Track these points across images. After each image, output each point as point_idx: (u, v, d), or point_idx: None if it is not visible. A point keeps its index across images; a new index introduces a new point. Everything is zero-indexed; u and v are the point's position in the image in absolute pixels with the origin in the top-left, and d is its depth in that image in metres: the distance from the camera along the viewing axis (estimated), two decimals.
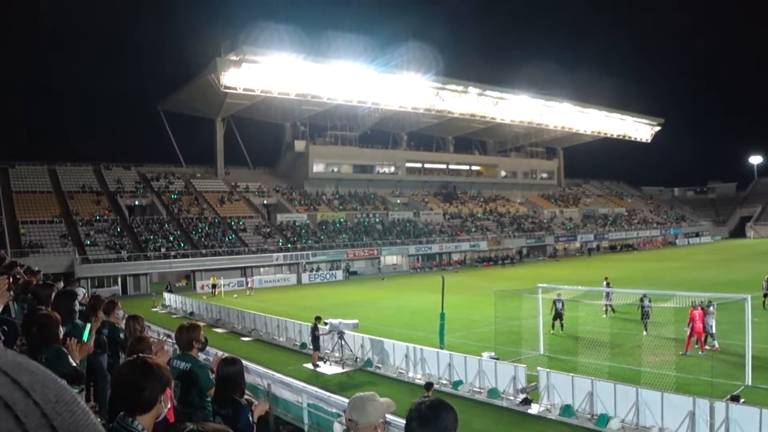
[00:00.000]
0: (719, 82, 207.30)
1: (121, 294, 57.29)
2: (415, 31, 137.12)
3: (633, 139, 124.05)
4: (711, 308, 23.75)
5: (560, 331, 28.18)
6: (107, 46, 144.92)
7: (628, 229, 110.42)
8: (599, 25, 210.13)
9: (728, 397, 16.50)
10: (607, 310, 32.58)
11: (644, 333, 26.64)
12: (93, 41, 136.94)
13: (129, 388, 3.18)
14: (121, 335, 9.54)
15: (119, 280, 60.27)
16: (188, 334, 6.88)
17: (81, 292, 12.59)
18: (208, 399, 6.47)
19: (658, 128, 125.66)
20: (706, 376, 19.02)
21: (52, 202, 66.91)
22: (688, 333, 23.30)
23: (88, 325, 6.70)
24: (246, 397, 6.22)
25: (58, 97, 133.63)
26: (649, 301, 27.08)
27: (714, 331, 23.79)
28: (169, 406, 3.38)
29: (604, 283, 35.23)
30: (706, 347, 23.37)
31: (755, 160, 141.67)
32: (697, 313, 23.02)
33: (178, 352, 7.20)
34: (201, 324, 7.18)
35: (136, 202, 73.72)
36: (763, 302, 31.38)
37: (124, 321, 9.51)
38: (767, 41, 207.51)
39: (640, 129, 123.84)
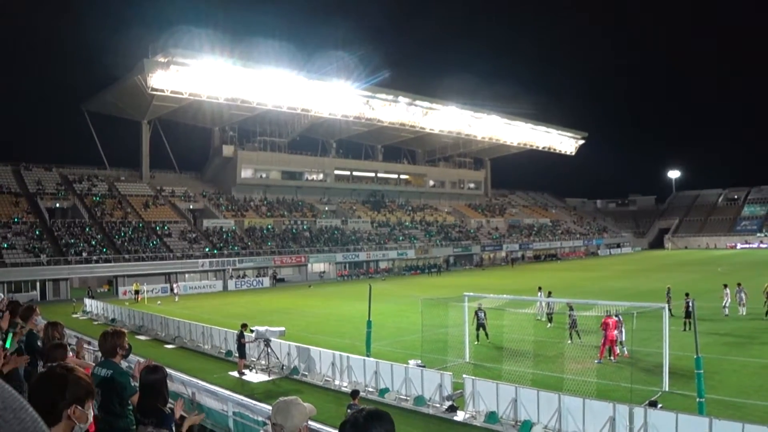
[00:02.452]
0: (641, 99, 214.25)
1: (39, 299, 55.62)
2: (344, 40, 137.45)
3: (558, 151, 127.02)
4: (619, 318, 24.50)
5: (485, 341, 28.45)
6: (31, 42, 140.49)
7: (552, 239, 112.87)
8: (521, 39, 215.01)
9: (647, 402, 16.98)
10: (550, 319, 33.10)
11: (569, 342, 27.14)
12: (15, 36, 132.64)
13: (44, 399, 3.06)
14: (39, 342, 9.23)
15: (38, 285, 58.44)
16: (112, 341, 6.71)
17: None
18: (130, 407, 6.31)
19: (582, 141, 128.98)
20: (626, 382, 19.53)
21: None
22: (602, 341, 23.91)
23: (10, 333, 6.47)
24: (170, 405, 6.09)
25: None
26: (571, 309, 27.65)
27: (623, 338, 24.54)
28: (89, 421, 3.25)
29: (539, 293, 35.77)
30: (617, 356, 24.05)
31: (673, 174, 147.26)
32: (611, 321, 23.64)
33: (101, 358, 7.01)
34: (125, 331, 7.00)
35: (57, 205, 71.52)
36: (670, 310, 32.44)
37: (42, 327, 9.21)
38: (688, 58, 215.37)
39: (565, 142, 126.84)
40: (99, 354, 11.86)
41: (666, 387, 19.35)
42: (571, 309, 27.84)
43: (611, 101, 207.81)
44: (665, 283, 38.50)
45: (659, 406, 16.86)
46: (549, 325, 32.63)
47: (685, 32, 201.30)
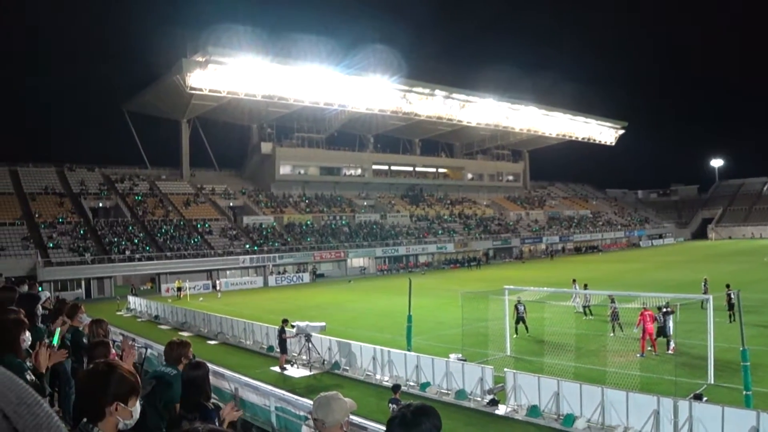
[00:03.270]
0: (682, 86, 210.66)
1: (84, 297, 56.58)
2: (381, 34, 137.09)
3: (597, 142, 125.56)
4: (668, 309, 24.08)
5: (525, 334, 28.28)
6: (71, 46, 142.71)
7: (592, 231, 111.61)
8: (562, 30, 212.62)
9: (691, 395, 16.71)
10: (585, 312, 32.89)
11: (611, 334, 26.85)
12: (57, 41, 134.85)
13: (89, 395, 3.10)
14: (84, 339, 9.40)
15: (83, 283, 59.47)
16: (178, 350, 6.84)
17: (44, 295, 12.41)
18: (168, 413, 6.39)
19: (622, 131, 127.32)
20: (670, 375, 19.26)
21: (13, 203, 65.75)
22: (641, 335, 23.59)
23: (58, 330, 6.59)
24: (213, 401, 6.16)
25: (21, 98, 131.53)
26: (612, 301, 27.36)
27: (671, 332, 24.11)
28: (135, 418, 3.29)
29: (574, 285, 35.45)
30: (669, 351, 23.67)
31: (716, 163, 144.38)
32: (648, 314, 23.32)
33: (163, 363, 7.15)
34: (190, 342, 7.13)
35: (100, 204, 72.78)
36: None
37: (87, 325, 9.37)
38: (729, 46, 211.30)
39: (605, 132, 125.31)
40: (143, 351, 12.04)
41: (711, 380, 19.05)
42: (612, 301, 27.55)
43: (652, 89, 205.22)
44: (709, 275, 37.82)
45: (704, 399, 16.58)
46: (586, 317, 32.41)
47: (730, 14, 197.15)
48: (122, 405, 3.10)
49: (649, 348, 23.56)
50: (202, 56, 67.72)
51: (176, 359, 6.82)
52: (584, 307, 32.93)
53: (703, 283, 32.97)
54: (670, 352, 23.56)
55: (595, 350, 24.81)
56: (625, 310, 26.57)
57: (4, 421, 0.83)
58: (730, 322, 27.68)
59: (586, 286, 34.35)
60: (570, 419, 16.29)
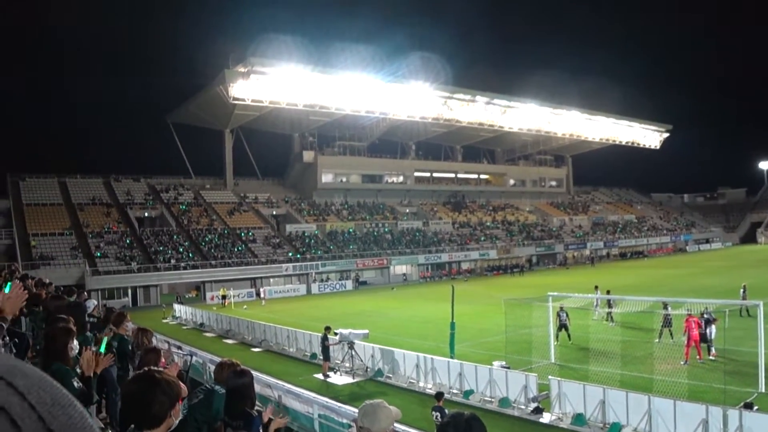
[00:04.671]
0: (728, 88, 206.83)
1: (131, 305, 57.50)
2: (422, 41, 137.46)
3: (641, 145, 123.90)
4: (711, 316, 23.70)
5: (567, 342, 28.02)
6: (117, 59, 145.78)
7: (637, 236, 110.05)
8: (607, 33, 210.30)
9: (741, 404, 16.38)
10: (607, 318, 32.71)
11: (657, 341, 26.45)
12: (103, 55, 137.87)
13: (137, 402, 3.16)
14: (131, 347, 9.56)
15: (129, 291, 60.47)
16: (228, 371, 6.95)
17: (92, 304, 12.63)
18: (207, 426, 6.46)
19: (666, 135, 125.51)
20: (719, 383, 18.87)
21: (62, 214, 67.17)
22: (686, 342, 23.21)
23: (105, 338, 6.72)
24: (257, 408, 6.21)
25: (69, 110, 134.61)
26: (669, 307, 26.91)
27: (713, 337, 23.73)
28: (180, 417, 3.37)
29: (596, 292, 35.11)
30: (710, 356, 23.31)
31: (765, 165, 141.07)
32: (693, 321, 22.95)
33: (212, 382, 7.29)
34: (239, 362, 7.26)
35: (146, 214, 73.91)
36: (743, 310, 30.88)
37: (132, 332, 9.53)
38: None
39: (649, 135, 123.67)
40: (188, 359, 12.18)
41: (762, 388, 18.61)
42: (665, 307, 27.09)
43: (698, 92, 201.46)
44: (758, 280, 37.00)
45: (755, 408, 16.23)
46: (611, 324, 32.19)
47: None
48: (179, 406, 3.18)
49: (698, 358, 23.16)
50: (244, 67, 68.50)
51: (226, 379, 6.92)
52: (608, 314, 32.71)
53: (741, 290, 32.22)
54: (711, 357, 23.26)
55: (642, 357, 24.43)
56: (673, 316, 26.17)
57: (39, 422, 0.85)
58: None
59: (608, 293, 33.90)
60: (616, 428, 16.06)
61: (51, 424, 0.86)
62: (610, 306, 32.33)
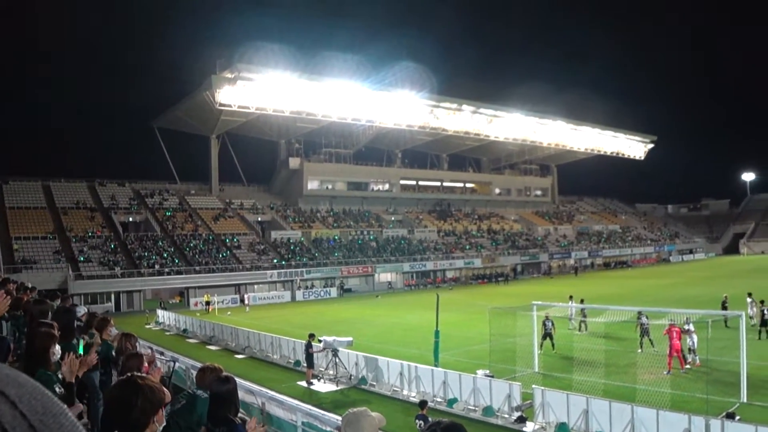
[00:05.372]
0: (713, 100, 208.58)
1: (114, 311, 57.09)
2: (409, 50, 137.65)
3: (626, 156, 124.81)
4: (690, 326, 23.95)
5: (551, 351, 28.10)
6: (103, 63, 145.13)
7: (622, 246, 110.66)
8: (592, 45, 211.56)
9: (724, 414, 16.47)
10: (580, 327, 32.96)
11: (639, 351, 26.57)
12: (89, 59, 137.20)
13: (120, 407, 3.13)
14: (113, 353, 9.49)
15: (112, 296, 60.06)
16: (210, 375, 6.90)
17: (82, 310, 12.54)
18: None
19: (651, 145, 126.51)
20: (701, 393, 18.95)
21: (45, 218, 66.72)
22: (668, 351, 23.36)
23: (81, 341, 6.67)
24: (240, 415, 6.18)
25: (54, 114, 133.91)
26: (647, 318, 27.07)
27: (695, 347, 23.97)
28: (164, 424, 3.34)
29: (571, 302, 35.25)
30: (687, 365, 23.51)
31: (748, 177, 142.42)
32: (675, 330, 23.11)
33: (194, 387, 7.22)
34: (221, 367, 7.20)
35: (130, 219, 73.53)
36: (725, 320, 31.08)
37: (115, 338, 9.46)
38: (760, 58, 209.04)
39: (633, 146, 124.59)
40: (171, 364, 12.10)
41: (744, 398, 18.73)
42: (640, 316, 27.25)
43: (682, 103, 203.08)
44: (741, 290, 37.21)
45: (737, 418, 16.31)
46: (581, 332, 32.64)
47: (755, 29, 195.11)
48: (162, 412, 3.16)
49: (685, 366, 23.31)
50: (231, 73, 68.48)
51: (208, 385, 6.88)
52: (581, 322, 32.93)
53: (722, 302, 32.50)
54: (687, 365, 23.58)
55: (625, 367, 24.53)
56: (653, 326, 26.30)
57: (30, 431, 0.85)
58: (759, 338, 27.35)
59: (582, 302, 34.05)
60: None
61: None
62: (584, 315, 32.57)
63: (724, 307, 30.67)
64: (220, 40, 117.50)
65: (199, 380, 7.01)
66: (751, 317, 30.11)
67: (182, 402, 6.37)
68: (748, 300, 32.17)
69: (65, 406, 0.96)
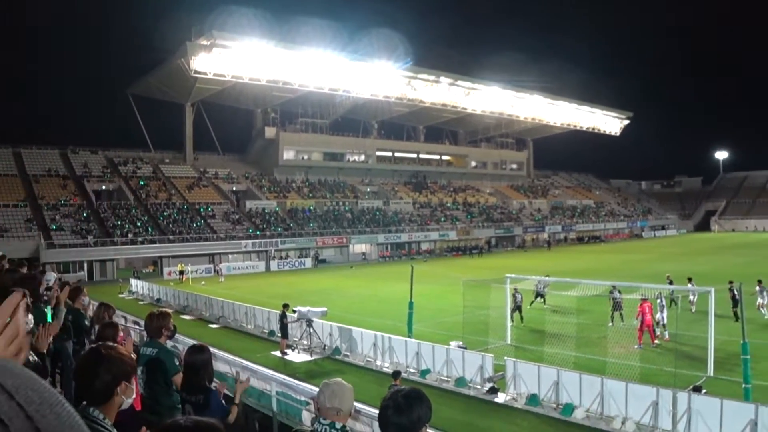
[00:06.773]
0: (687, 78, 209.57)
1: (86, 280, 56.63)
2: (386, 19, 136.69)
3: (602, 132, 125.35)
4: (662, 300, 24.29)
5: (519, 324, 28.39)
6: (76, 29, 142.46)
7: (595, 221, 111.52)
8: (570, 18, 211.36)
9: (690, 387, 16.76)
10: (540, 298, 33.19)
11: (610, 324, 26.85)
12: (61, 25, 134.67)
13: (82, 377, 3.13)
14: (86, 322, 9.45)
15: (85, 265, 59.59)
16: (158, 322, 6.87)
17: (53, 277, 12.45)
18: (174, 387, 6.43)
19: (626, 122, 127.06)
20: (670, 367, 19.28)
21: (16, 185, 65.92)
22: (638, 326, 23.67)
23: (48, 308, 6.63)
24: (213, 384, 6.20)
25: (25, 80, 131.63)
26: (619, 292, 27.27)
27: (666, 321, 24.40)
28: (134, 396, 3.33)
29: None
30: (656, 341, 23.88)
31: (721, 155, 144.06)
32: (647, 305, 23.40)
33: (146, 338, 7.18)
34: (170, 311, 7.14)
35: (103, 187, 72.76)
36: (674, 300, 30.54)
37: (89, 307, 9.40)
38: (736, 39, 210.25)
39: (609, 122, 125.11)
40: (145, 334, 12.09)
41: (711, 372, 19.10)
42: (612, 291, 27.44)
43: (658, 80, 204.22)
44: (711, 267, 37.60)
45: (704, 391, 16.65)
46: (535, 302, 32.71)
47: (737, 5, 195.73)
48: (127, 384, 3.14)
49: (655, 342, 23.66)
50: (206, 40, 67.60)
51: (156, 330, 6.86)
52: (538, 293, 33.14)
53: (667, 281, 30.51)
54: (656, 341, 23.99)
55: (596, 340, 24.88)
56: (626, 301, 26.60)
57: (27, 421, 0.85)
58: (736, 320, 26.78)
59: (547, 276, 34.12)
60: (569, 409, 16.35)
61: (39, 423, 0.87)
62: (538, 287, 32.84)
63: (671, 283, 30.30)
64: (196, 5, 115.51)
65: (147, 327, 7.00)
66: (759, 308, 28.58)
67: (143, 374, 6.39)
68: (757, 288, 29.37)
69: (62, 396, 0.96)
